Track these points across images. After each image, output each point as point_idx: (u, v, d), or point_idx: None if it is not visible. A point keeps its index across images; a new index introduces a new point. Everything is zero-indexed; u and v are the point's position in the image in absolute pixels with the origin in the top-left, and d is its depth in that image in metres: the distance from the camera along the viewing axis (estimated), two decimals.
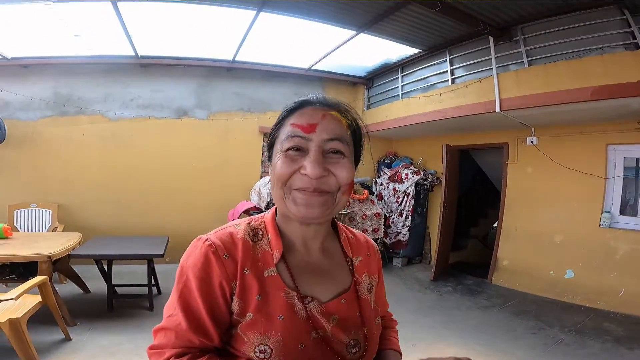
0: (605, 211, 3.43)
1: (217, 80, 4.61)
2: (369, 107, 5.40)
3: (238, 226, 0.63)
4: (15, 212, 3.54)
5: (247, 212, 4.13)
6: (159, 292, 3.40)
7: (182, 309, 0.56)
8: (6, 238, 2.71)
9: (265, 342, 0.56)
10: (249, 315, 0.57)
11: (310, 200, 0.56)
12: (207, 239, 0.59)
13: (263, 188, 4.33)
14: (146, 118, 4.25)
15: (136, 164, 4.21)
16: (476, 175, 6.08)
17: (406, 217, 4.86)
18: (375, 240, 4.79)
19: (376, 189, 5.31)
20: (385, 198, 5.15)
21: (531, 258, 3.97)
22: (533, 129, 3.86)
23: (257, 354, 0.55)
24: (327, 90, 5.33)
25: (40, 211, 3.67)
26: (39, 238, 2.93)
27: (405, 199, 4.85)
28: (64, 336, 2.49)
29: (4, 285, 2.92)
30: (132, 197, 4.19)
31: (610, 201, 3.45)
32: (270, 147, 0.63)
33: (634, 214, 3.37)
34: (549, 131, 3.80)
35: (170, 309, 0.58)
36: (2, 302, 2.03)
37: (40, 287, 2.27)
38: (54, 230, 3.57)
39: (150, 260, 3.04)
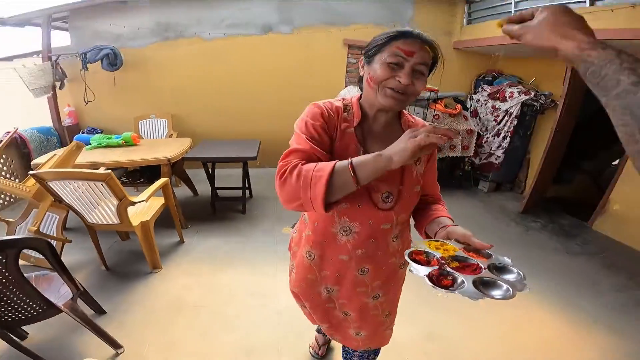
0: None
1: None
2: (469, 23, 4.67)
3: (337, 102, 0.93)
4: (139, 122, 4.25)
5: None
6: (251, 195, 3.86)
7: (307, 136, 0.84)
8: (135, 145, 3.18)
9: None
10: (335, 153, 0.88)
11: (396, 97, 0.82)
12: (320, 104, 0.91)
13: (347, 95, 4.30)
14: (236, 36, 4.47)
15: (231, 77, 4.60)
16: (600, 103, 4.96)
17: (504, 137, 4.40)
18: (462, 158, 4.69)
19: (471, 105, 4.86)
20: (481, 115, 4.68)
21: None
22: None
23: None
24: (418, 5, 4.71)
25: (159, 121, 4.33)
26: (159, 144, 3.30)
27: (506, 118, 4.34)
28: (179, 239, 2.82)
29: (135, 190, 3.42)
30: (228, 105, 4.71)
31: None
32: (369, 55, 0.86)
33: None
34: None
35: (297, 139, 0.85)
36: (135, 206, 2.24)
37: (163, 189, 2.54)
38: (170, 136, 4.16)
39: (245, 163, 3.29)
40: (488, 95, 4.59)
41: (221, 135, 4.54)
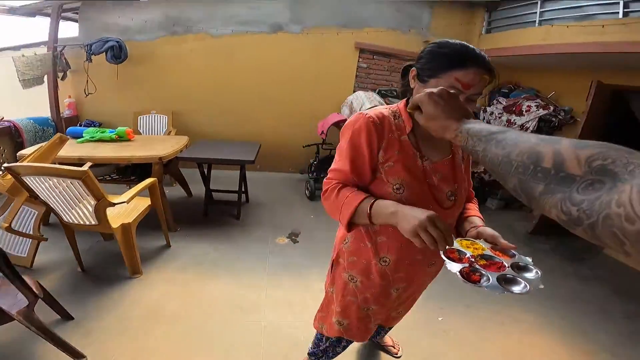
0: None
1: None
2: (488, 32, 4.48)
3: (384, 110, 0.92)
4: (139, 117, 4.13)
5: (337, 125, 4.08)
6: (247, 200, 3.69)
7: (349, 158, 0.89)
8: (129, 140, 3.05)
9: (400, 182, 0.88)
10: (390, 163, 0.89)
11: None
12: (367, 114, 0.88)
13: (355, 102, 4.19)
14: (244, 34, 4.34)
15: (236, 75, 4.47)
16: (623, 122, 4.72)
17: None
18: (472, 174, 4.41)
19: (484, 118, 4.63)
20: None
21: None
22: None
23: (395, 190, 0.88)
24: (435, 10, 4.52)
25: (159, 117, 4.21)
26: (154, 141, 3.17)
27: None
28: (165, 242, 2.65)
29: (127, 187, 3.21)
30: (231, 105, 4.56)
31: None
32: (424, 74, 0.85)
33: None
34: None
35: (340, 156, 0.91)
36: (117, 206, 2.05)
37: (151, 189, 2.39)
38: (169, 133, 4.04)
39: (242, 166, 3.11)
40: (503, 108, 4.36)
41: (221, 136, 4.40)
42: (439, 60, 0.82)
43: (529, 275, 0.79)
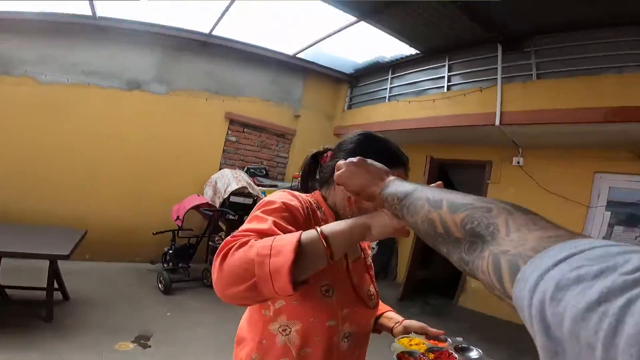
0: None
1: (186, 55, 4.05)
2: (350, 107, 5.11)
3: (305, 197, 0.87)
4: None
5: (197, 209, 3.57)
6: (65, 297, 2.74)
7: (274, 225, 0.70)
8: None
9: (327, 283, 0.80)
10: None
11: None
12: (297, 194, 0.83)
13: (220, 182, 3.79)
14: (86, 86, 3.56)
15: (67, 138, 3.51)
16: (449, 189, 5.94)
17: None
18: None
19: None
20: None
21: None
22: (520, 149, 3.67)
23: (324, 292, 0.79)
24: (307, 84, 4.92)
25: None
26: None
27: None
28: None
29: None
30: (52, 176, 3.48)
31: (590, 231, 3.24)
32: None
33: None
34: (536, 152, 3.64)
35: (260, 222, 0.70)
36: None
37: None
38: None
39: (53, 260, 2.43)
40: None
41: (31, 217, 3.23)
42: (377, 158, 0.80)
43: (473, 354, 0.87)
